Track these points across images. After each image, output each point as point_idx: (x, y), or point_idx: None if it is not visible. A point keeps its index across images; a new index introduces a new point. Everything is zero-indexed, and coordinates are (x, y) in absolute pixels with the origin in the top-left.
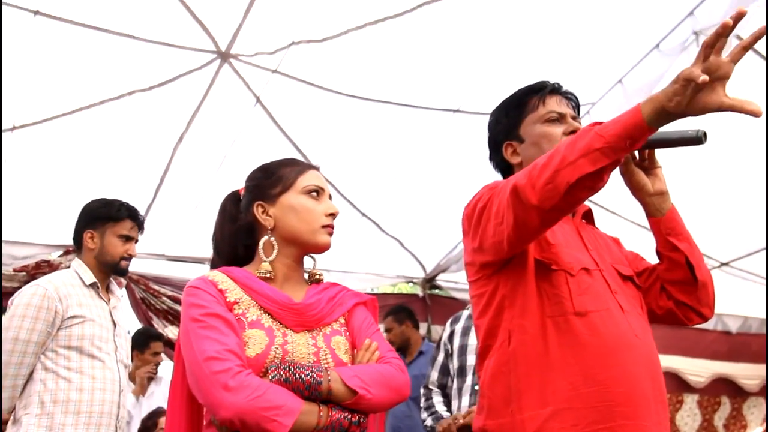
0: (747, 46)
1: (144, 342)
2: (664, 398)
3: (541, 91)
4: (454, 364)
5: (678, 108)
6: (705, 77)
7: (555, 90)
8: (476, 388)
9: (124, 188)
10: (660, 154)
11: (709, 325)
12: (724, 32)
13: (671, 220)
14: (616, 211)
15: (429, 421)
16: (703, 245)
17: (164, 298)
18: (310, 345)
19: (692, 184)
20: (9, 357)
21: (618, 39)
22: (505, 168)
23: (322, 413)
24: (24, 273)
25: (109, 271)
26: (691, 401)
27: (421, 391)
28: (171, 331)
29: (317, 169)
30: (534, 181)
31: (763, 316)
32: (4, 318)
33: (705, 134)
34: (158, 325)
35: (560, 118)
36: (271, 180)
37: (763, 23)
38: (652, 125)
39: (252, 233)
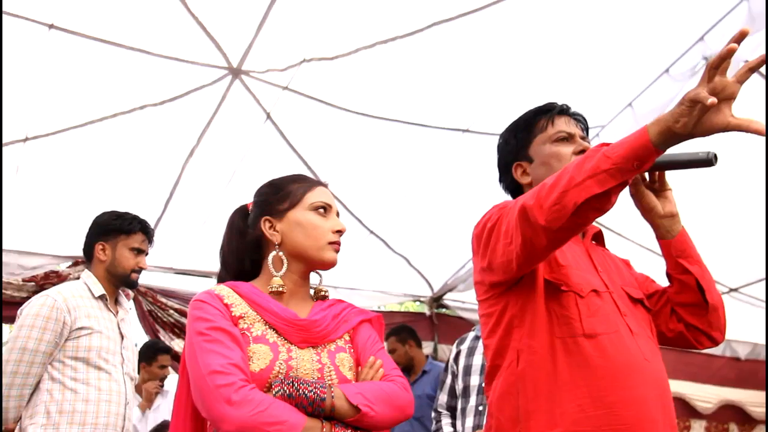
0: (753, 68)
1: (151, 355)
2: (673, 422)
3: (549, 111)
4: (459, 385)
5: (685, 129)
6: (713, 99)
7: (563, 111)
8: (480, 408)
9: (134, 201)
10: (669, 177)
11: (717, 351)
12: (728, 55)
13: (681, 242)
14: (625, 234)
15: None
16: (712, 271)
17: (171, 311)
18: (314, 361)
19: (701, 210)
20: (17, 366)
21: (628, 63)
22: (515, 189)
23: (324, 429)
24: (33, 283)
25: (120, 283)
26: (698, 427)
27: (432, 414)
28: (177, 344)
29: (325, 185)
30: (542, 201)
31: None
32: (14, 327)
33: (715, 156)
34: (165, 337)
35: (569, 138)
36: (278, 196)
37: None
38: (659, 147)
39: (259, 248)
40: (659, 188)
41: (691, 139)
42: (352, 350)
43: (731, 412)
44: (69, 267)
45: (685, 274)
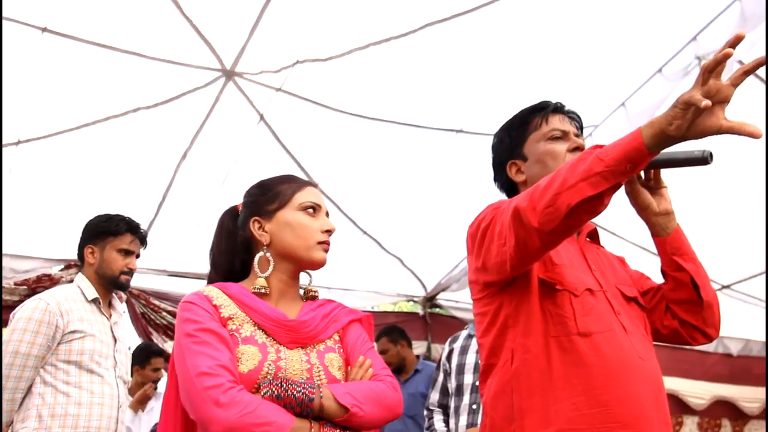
0: (748, 71)
1: (145, 358)
2: (667, 419)
3: (543, 110)
4: (452, 383)
5: (678, 132)
6: (707, 102)
7: (557, 109)
8: (473, 407)
9: (127, 204)
10: (664, 175)
11: (710, 348)
12: (724, 59)
13: (676, 239)
14: (619, 233)
15: None
16: (705, 268)
17: (164, 314)
18: (303, 361)
19: (694, 207)
20: (9, 370)
21: (621, 63)
22: (509, 187)
23: (313, 430)
24: (25, 287)
25: (110, 285)
26: (691, 423)
27: (424, 413)
28: (170, 347)
29: (315, 185)
30: (535, 203)
31: (764, 339)
32: (5, 331)
33: (711, 154)
34: (158, 340)
35: (564, 136)
36: (267, 196)
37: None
38: (652, 149)
39: (248, 249)
40: (654, 186)
41: (683, 142)
42: (341, 350)
43: (724, 407)
44: (61, 270)
45: (680, 272)
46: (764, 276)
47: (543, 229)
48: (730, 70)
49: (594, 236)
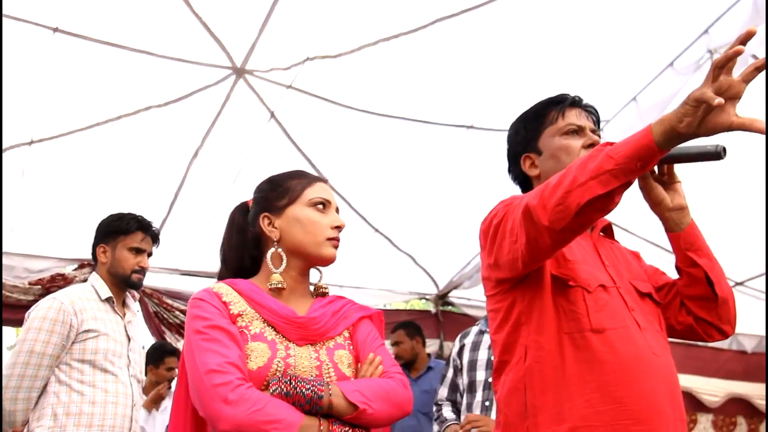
0: (760, 67)
1: (159, 357)
2: (682, 416)
3: (560, 103)
4: (464, 380)
5: (689, 129)
6: (720, 99)
7: (575, 103)
8: (486, 404)
9: (139, 203)
10: (677, 169)
11: (724, 345)
12: (735, 56)
13: (691, 235)
14: (631, 230)
15: (435, 428)
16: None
17: (177, 313)
18: (312, 358)
19: (707, 203)
20: (24, 369)
21: (632, 57)
22: (523, 180)
23: (322, 427)
24: (39, 286)
25: (122, 284)
26: (705, 421)
27: (433, 408)
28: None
29: (325, 181)
30: (545, 201)
31: None
32: (21, 330)
33: (724, 149)
34: (171, 339)
35: (579, 131)
36: (277, 192)
37: None
38: (663, 147)
39: (258, 245)
40: (668, 181)
41: (694, 139)
42: (351, 347)
43: (738, 405)
44: (75, 270)
45: (694, 267)
46: None
47: (553, 227)
48: (744, 63)
49: (608, 231)
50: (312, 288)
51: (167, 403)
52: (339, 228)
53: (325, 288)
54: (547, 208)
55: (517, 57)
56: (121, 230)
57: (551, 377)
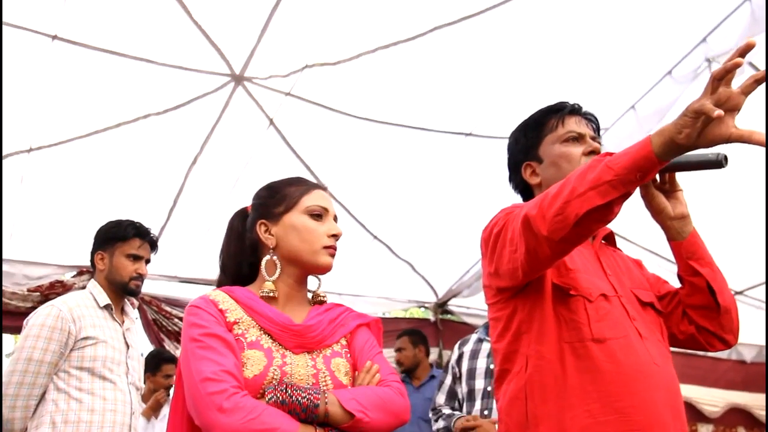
0: (760, 80)
1: (156, 364)
2: (684, 426)
3: (560, 111)
4: (463, 388)
5: (688, 140)
6: (719, 111)
7: (574, 110)
8: (485, 413)
9: (138, 210)
10: (679, 178)
11: (723, 354)
12: (734, 68)
13: (692, 243)
14: (632, 239)
15: (442, 424)
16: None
17: (176, 320)
18: (309, 366)
19: (707, 212)
20: (23, 377)
21: (631, 65)
22: (524, 189)
23: None
24: (38, 293)
25: (120, 291)
26: (705, 431)
27: (429, 414)
28: None
29: (324, 189)
30: (544, 211)
31: None
32: (19, 338)
33: (726, 158)
34: (170, 346)
35: (579, 138)
36: (275, 199)
37: None
38: (662, 158)
39: (256, 252)
40: (670, 189)
41: (693, 150)
42: (348, 355)
43: (738, 415)
44: (74, 277)
45: (696, 276)
46: None
47: (552, 237)
48: (741, 72)
49: (610, 239)
50: (310, 296)
51: (166, 411)
52: (336, 236)
53: (323, 296)
54: (546, 218)
55: (516, 64)
56: (119, 237)
57: (552, 387)
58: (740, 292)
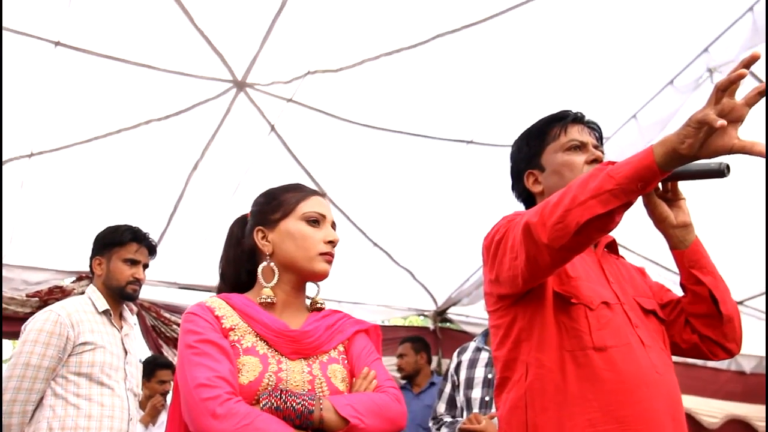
0: (763, 92)
1: (150, 370)
2: None
3: (563, 119)
4: (461, 397)
5: (690, 151)
6: (723, 122)
7: (577, 119)
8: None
9: (138, 215)
10: (681, 187)
11: (722, 365)
12: (738, 79)
13: (695, 252)
14: (634, 249)
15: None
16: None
17: (175, 327)
18: (305, 373)
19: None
20: (20, 382)
21: (632, 75)
22: (527, 197)
23: None
24: (36, 299)
25: (117, 296)
26: None
27: (430, 423)
28: None
29: (322, 195)
30: (545, 219)
31: None
32: (17, 343)
33: (728, 167)
34: (168, 353)
35: (582, 147)
36: (272, 205)
37: None
38: (664, 168)
39: (254, 259)
40: (672, 198)
41: (696, 161)
42: (345, 361)
43: (737, 426)
44: (73, 282)
45: (699, 285)
46: None
47: (553, 245)
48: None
49: (613, 247)
50: (309, 302)
51: (164, 418)
52: (333, 243)
53: (322, 303)
54: (547, 226)
55: (518, 73)
56: (116, 242)
57: (552, 395)
58: (740, 303)
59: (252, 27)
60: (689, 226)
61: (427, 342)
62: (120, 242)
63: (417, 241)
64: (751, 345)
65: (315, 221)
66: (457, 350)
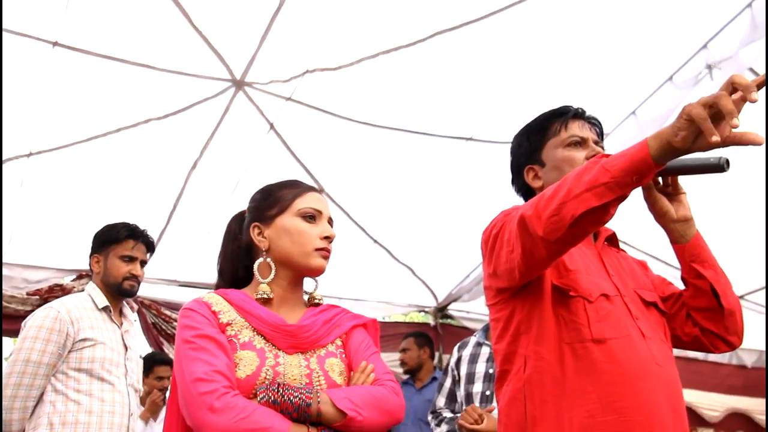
0: (762, 84)
1: (148, 367)
2: (685, 427)
3: (563, 115)
4: (462, 392)
5: (684, 144)
6: (717, 138)
7: (577, 115)
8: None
9: (138, 214)
10: (682, 181)
11: (723, 359)
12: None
13: (696, 246)
14: (634, 244)
15: (445, 428)
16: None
17: (175, 324)
18: (302, 367)
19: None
20: (20, 378)
21: (631, 71)
22: (527, 192)
23: None
24: (37, 297)
25: (115, 292)
26: None
27: (429, 417)
28: None
29: (319, 191)
30: (540, 212)
31: None
32: (17, 340)
33: (727, 161)
34: (169, 350)
35: (582, 143)
36: (268, 201)
37: None
38: (659, 161)
39: (251, 255)
40: (673, 192)
41: (690, 154)
42: (343, 355)
43: (738, 420)
44: (73, 280)
45: (699, 279)
46: None
47: (548, 238)
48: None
49: (613, 240)
50: (306, 298)
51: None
52: (329, 239)
53: (319, 298)
54: (542, 219)
55: (517, 69)
56: (112, 239)
57: (551, 387)
58: (741, 297)
59: (250, 26)
60: (690, 221)
61: (430, 337)
62: (116, 239)
63: (417, 238)
64: (752, 339)
65: (311, 217)
66: (458, 345)
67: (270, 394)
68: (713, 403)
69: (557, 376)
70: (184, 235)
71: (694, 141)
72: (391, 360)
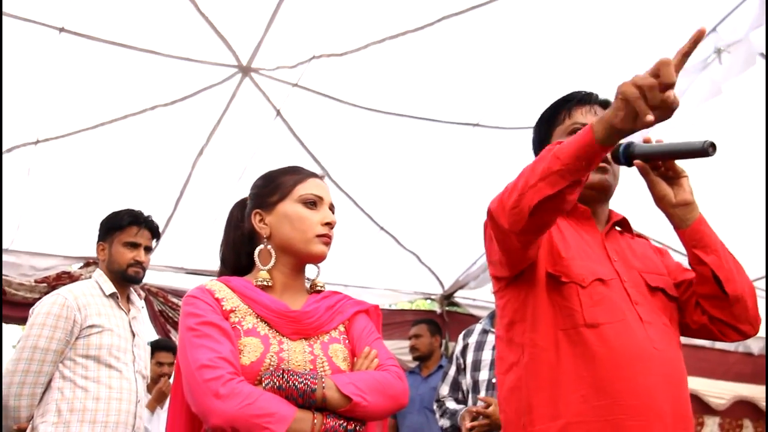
0: (687, 53)
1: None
2: (685, 412)
3: (569, 102)
4: (468, 380)
5: (625, 124)
6: (651, 117)
7: (582, 100)
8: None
9: (144, 201)
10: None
11: (730, 347)
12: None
13: (697, 231)
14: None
15: (447, 422)
16: (734, 259)
17: None
18: (306, 353)
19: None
20: (28, 365)
21: (639, 55)
22: None
23: (316, 420)
24: (45, 284)
25: (120, 279)
26: (712, 423)
27: (434, 405)
28: None
29: (320, 177)
30: (504, 204)
31: None
32: (25, 326)
33: (712, 145)
34: (176, 337)
35: None
36: (269, 188)
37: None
38: (604, 143)
39: (253, 242)
40: (672, 175)
41: (634, 133)
42: (346, 341)
43: (745, 407)
44: (81, 268)
45: (701, 265)
46: None
47: (513, 229)
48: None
49: (625, 225)
50: (309, 285)
51: None
52: (330, 225)
53: (321, 285)
54: (506, 211)
55: (524, 55)
56: (116, 226)
57: (546, 374)
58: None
59: (256, 12)
60: (690, 205)
61: (440, 325)
62: (119, 226)
63: (423, 225)
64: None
65: (312, 203)
66: (463, 333)
67: (275, 380)
68: (720, 391)
69: (552, 362)
70: (191, 223)
71: (634, 120)
72: (398, 348)
